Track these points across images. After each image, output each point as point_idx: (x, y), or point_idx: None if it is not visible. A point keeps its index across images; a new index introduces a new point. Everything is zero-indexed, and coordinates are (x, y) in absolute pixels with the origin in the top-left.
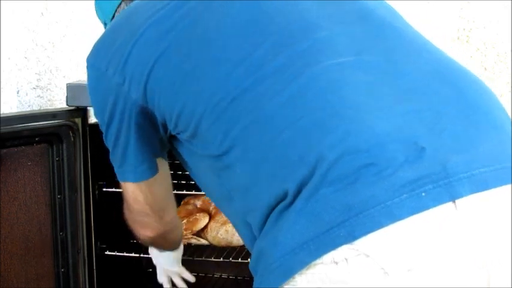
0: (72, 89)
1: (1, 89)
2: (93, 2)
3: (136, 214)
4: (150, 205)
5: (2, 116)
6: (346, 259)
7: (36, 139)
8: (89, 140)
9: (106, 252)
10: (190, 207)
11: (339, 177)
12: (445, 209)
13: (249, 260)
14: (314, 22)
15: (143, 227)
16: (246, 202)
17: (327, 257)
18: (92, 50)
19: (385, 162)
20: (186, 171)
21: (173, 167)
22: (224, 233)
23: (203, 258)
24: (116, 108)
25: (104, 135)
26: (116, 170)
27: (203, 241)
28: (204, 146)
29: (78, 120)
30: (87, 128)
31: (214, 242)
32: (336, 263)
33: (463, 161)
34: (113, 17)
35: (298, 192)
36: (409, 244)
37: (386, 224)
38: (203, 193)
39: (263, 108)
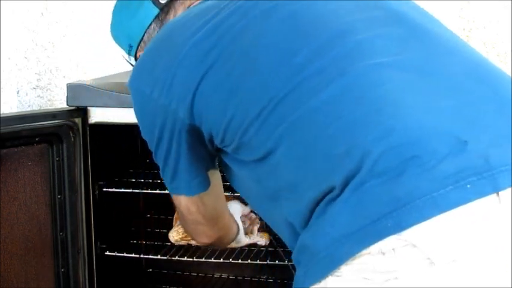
0: (72, 89)
1: (1, 89)
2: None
3: (190, 224)
4: (203, 214)
5: (2, 116)
6: (393, 249)
7: (36, 139)
8: (89, 140)
9: (106, 252)
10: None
11: (385, 169)
12: (489, 201)
13: (249, 260)
14: (351, 25)
15: (198, 234)
16: (291, 199)
17: (374, 248)
18: (133, 74)
19: (429, 155)
20: None
21: None
22: None
23: (203, 259)
24: (165, 129)
25: (153, 154)
26: (167, 185)
27: None
28: (249, 152)
29: (78, 120)
30: (87, 128)
31: None
32: (383, 253)
33: (503, 155)
34: (141, 39)
35: (345, 185)
36: (454, 235)
37: (433, 215)
38: None
39: (306, 106)
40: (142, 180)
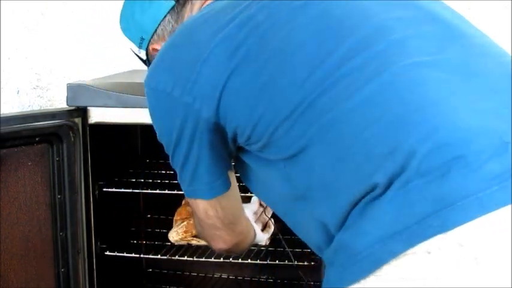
0: (72, 89)
1: (1, 89)
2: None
3: (207, 228)
4: (221, 219)
5: (2, 116)
6: (439, 248)
7: (36, 139)
8: (89, 140)
9: (106, 252)
10: (191, 208)
11: (430, 169)
12: None
13: (249, 260)
14: (385, 25)
15: (215, 240)
16: (326, 199)
17: (420, 247)
18: (151, 72)
19: (473, 155)
20: None
21: None
22: None
23: (203, 259)
24: (186, 128)
25: (170, 156)
26: (185, 188)
27: (203, 242)
28: (277, 151)
29: (78, 120)
30: (87, 128)
31: None
32: (429, 252)
33: None
34: (155, 32)
35: (389, 184)
36: (500, 235)
37: (479, 215)
38: None
39: (342, 106)
40: (142, 180)
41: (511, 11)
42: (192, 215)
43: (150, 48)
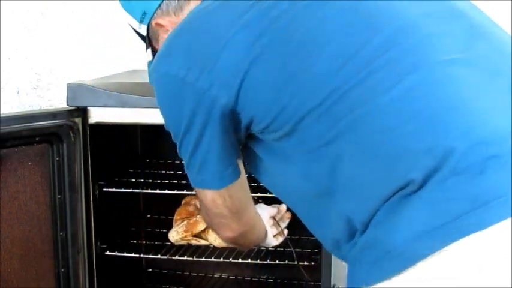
0: (72, 89)
1: (1, 89)
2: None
3: (214, 217)
4: (228, 207)
5: (2, 116)
6: (475, 247)
7: (36, 139)
8: (89, 140)
9: (106, 252)
10: (191, 208)
11: (467, 168)
12: None
13: (249, 260)
14: (415, 20)
15: (222, 228)
16: (351, 194)
17: (456, 245)
18: (162, 58)
19: (507, 155)
20: None
21: (174, 167)
22: None
23: (203, 259)
24: (198, 115)
25: (178, 145)
26: (192, 177)
27: (203, 242)
28: (301, 141)
29: (78, 120)
30: (87, 128)
31: (216, 243)
32: (464, 250)
33: None
34: (159, 6)
35: (424, 181)
36: None
37: None
38: None
39: (376, 100)
40: (142, 180)
41: (511, 11)
42: (192, 214)
43: (153, 23)
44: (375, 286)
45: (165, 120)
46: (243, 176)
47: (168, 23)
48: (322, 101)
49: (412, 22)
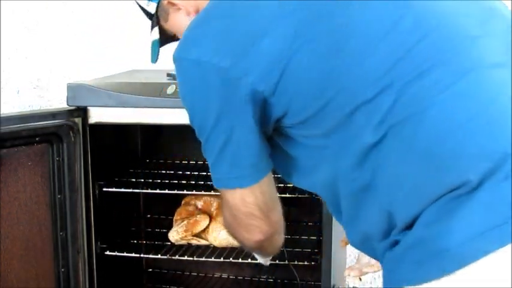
0: (72, 89)
1: (1, 89)
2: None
3: (243, 218)
4: (259, 206)
5: (2, 116)
6: None
7: (36, 139)
8: (89, 140)
9: (106, 252)
10: (191, 208)
11: None
12: None
13: (249, 260)
14: (462, 21)
15: (250, 231)
16: (398, 191)
17: (508, 247)
18: (190, 44)
19: None
20: (187, 171)
21: (174, 167)
22: (225, 234)
23: (203, 259)
24: (230, 103)
25: (204, 141)
26: (220, 176)
27: (203, 242)
28: (343, 137)
29: (78, 120)
30: (87, 128)
31: (216, 243)
32: None
33: None
34: None
35: (480, 183)
36: None
37: None
38: (204, 193)
39: (432, 100)
40: (142, 180)
41: (511, 11)
42: (192, 214)
43: (165, 1)
44: (420, 286)
45: (189, 113)
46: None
47: (181, 2)
48: (373, 97)
49: (459, 23)
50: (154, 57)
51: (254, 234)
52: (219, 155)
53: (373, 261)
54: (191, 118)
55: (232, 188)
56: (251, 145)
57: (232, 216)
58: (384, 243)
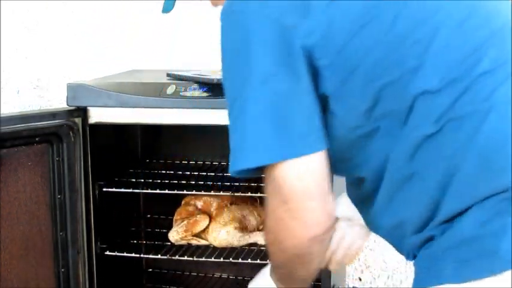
0: (72, 89)
1: (1, 89)
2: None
3: (296, 201)
4: (317, 182)
5: (2, 116)
6: None
7: (36, 139)
8: (89, 140)
9: (106, 252)
10: (191, 208)
11: None
12: None
13: (249, 260)
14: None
15: (304, 220)
16: (449, 184)
17: None
18: None
19: None
20: (187, 171)
21: (174, 167)
22: (225, 234)
23: (203, 259)
24: (286, 61)
25: (242, 100)
26: (267, 147)
27: (203, 242)
28: (397, 125)
29: (78, 120)
30: (87, 128)
31: (215, 243)
32: None
33: None
34: None
35: None
36: None
37: None
38: (204, 193)
39: (496, 100)
40: (142, 180)
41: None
42: (192, 214)
43: None
44: (462, 285)
45: (227, 68)
46: None
47: None
48: (440, 88)
49: (505, 22)
50: (171, 4)
51: (309, 226)
52: (262, 116)
53: (354, 247)
54: (226, 74)
55: (285, 159)
56: (307, 108)
57: (282, 202)
58: (417, 237)
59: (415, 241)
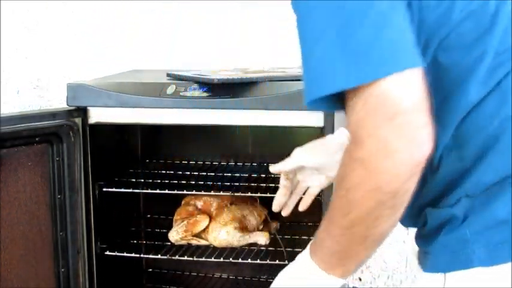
0: (72, 89)
1: (1, 89)
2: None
3: (405, 116)
4: (423, 100)
5: (2, 116)
6: None
7: (36, 139)
8: (89, 140)
9: (106, 252)
10: (190, 208)
11: None
12: None
13: (249, 260)
14: None
15: (415, 135)
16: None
17: None
18: None
19: None
20: (187, 171)
21: (174, 167)
22: (225, 234)
23: (203, 259)
24: None
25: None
26: (374, 58)
27: (203, 242)
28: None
29: (78, 120)
30: (87, 128)
31: (215, 243)
32: None
33: None
34: None
35: None
36: None
37: None
38: (204, 193)
39: None
40: (142, 180)
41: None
42: (192, 214)
43: None
44: (492, 268)
45: None
46: None
47: None
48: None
49: None
50: None
51: (417, 145)
52: (371, 32)
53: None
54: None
55: (391, 73)
56: (406, 24)
57: (386, 120)
58: (439, 212)
59: (438, 216)
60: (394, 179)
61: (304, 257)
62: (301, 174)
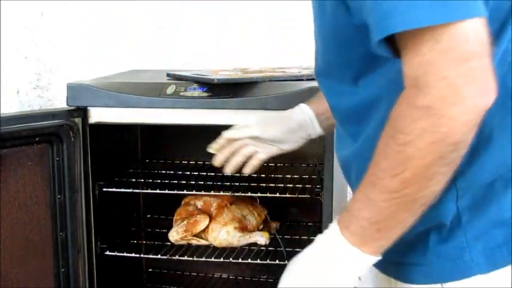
0: (72, 89)
1: (1, 89)
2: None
3: (481, 56)
4: (490, 49)
5: (2, 116)
6: None
7: (36, 139)
8: (89, 140)
9: (106, 252)
10: (191, 208)
11: None
12: None
13: (249, 260)
14: None
15: (485, 80)
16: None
17: None
18: None
19: None
20: (187, 171)
21: (174, 167)
22: (225, 234)
23: (203, 259)
24: None
25: None
26: (441, 7)
27: (203, 242)
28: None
29: (78, 120)
30: (87, 128)
31: (216, 243)
32: None
33: None
34: None
35: None
36: None
37: None
38: (204, 193)
39: None
40: (142, 180)
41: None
42: (192, 214)
43: None
44: (491, 274)
45: None
46: None
47: None
48: None
49: None
50: None
51: (487, 90)
52: None
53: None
54: None
55: (474, 16)
56: None
57: (461, 61)
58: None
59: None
60: (461, 128)
61: (327, 235)
62: (253, 141)
